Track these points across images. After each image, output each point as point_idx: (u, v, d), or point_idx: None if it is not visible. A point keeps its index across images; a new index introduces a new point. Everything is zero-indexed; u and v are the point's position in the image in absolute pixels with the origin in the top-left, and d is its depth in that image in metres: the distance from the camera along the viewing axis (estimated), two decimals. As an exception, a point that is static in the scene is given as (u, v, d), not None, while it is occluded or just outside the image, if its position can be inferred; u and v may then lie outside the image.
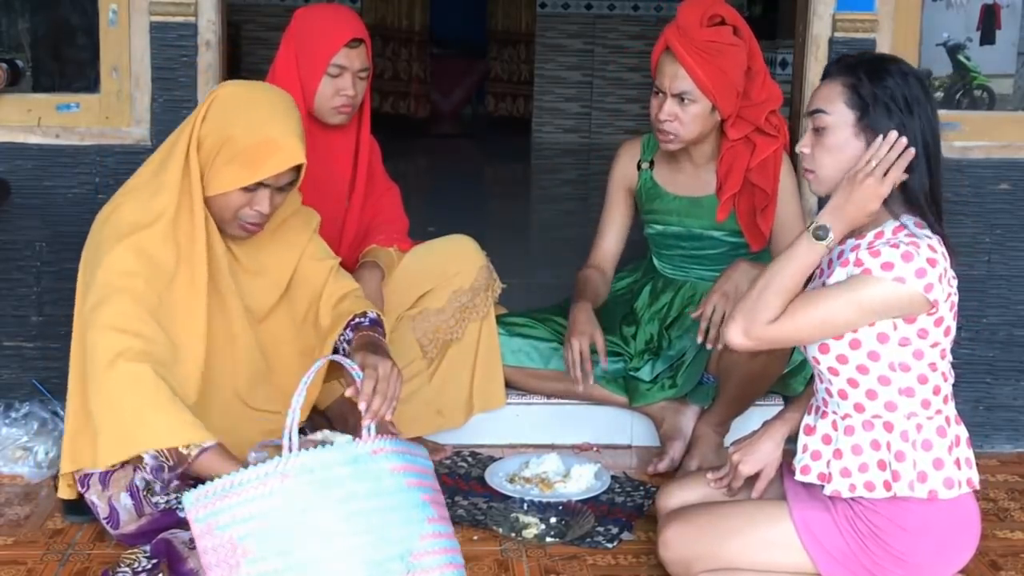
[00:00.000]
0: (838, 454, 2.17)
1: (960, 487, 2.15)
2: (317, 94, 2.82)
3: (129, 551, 2.38)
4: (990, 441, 3.26)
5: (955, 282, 2.13)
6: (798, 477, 2.22)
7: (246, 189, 2.33)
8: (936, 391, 2.15)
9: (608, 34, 8.73)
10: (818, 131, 2.15)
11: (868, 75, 2.11)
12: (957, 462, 2.15)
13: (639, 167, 3.11)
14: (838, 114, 2.12)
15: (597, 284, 3.10)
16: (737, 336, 2.14)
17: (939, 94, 3.43)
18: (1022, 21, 3.53)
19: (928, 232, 2.10)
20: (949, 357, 2.18)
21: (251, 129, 2.32)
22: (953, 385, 2.19)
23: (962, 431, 2.20)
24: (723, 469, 2.40)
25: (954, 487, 2.13)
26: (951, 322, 2.14)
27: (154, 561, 2.31)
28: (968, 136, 3.19)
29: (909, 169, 2.09)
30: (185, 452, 2.17)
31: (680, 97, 2.85)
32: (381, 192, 3.09)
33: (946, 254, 2.11)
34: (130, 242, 2.31)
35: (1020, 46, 3.55)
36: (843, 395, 2.17)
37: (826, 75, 2.19)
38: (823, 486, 2.18)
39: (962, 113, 3.30)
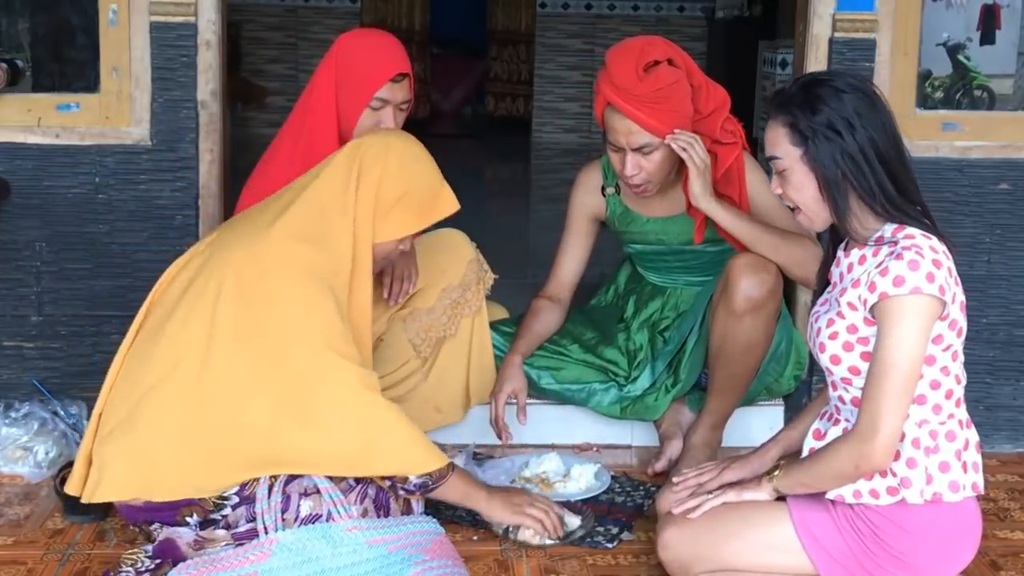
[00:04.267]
0: None
1: (965, 490, 2.13)
2: (357, 125, 2.79)
3: (130, 551, 2.38)
4: (990, 441, 3.25)
5: (959, 281, 2.13)
6: None
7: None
8: (948, 395, 2.13)
9: (608, 34, 8.73)
10: (780, 174, 2.19)
11: (802, 109, 2.12)
12: (964, 466, 2.14)
13: (603, 192, 3.07)
14: (788, 156, 2.15)
15: (545, 322, 3.07)
16: (877, 462, 2.09)
17: (939, 94, 3.43)
18: (1022, 21, 3.53)
19: (922, 232, 2.10)
20: (961, 358, 2.17)
21: (425, 182, 2.50)
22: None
23: (972, 435, 2.18)
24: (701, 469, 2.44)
25: (959, 491, 2.12)
26: (963, 323, 2.13)
27: (157, 561, 2.31)
28: (968, 136, 3.19)
29: (838, 189, 2.11)
30: (444, 471, 2.38)
31: (640, 150, 2.79)
32: None
33: (947, 252, 2.11)
34: (324, 286, 2.35)
35: (1020, 46, 3.54)
36: (856, 403, 2.16)
37: (769, 114, 2.21)
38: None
39: (962, 113, 3.30)
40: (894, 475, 2.12)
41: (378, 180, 2.44)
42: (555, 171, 7.87)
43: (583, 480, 2.83)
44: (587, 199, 3.09)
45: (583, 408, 3.11)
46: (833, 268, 2.25)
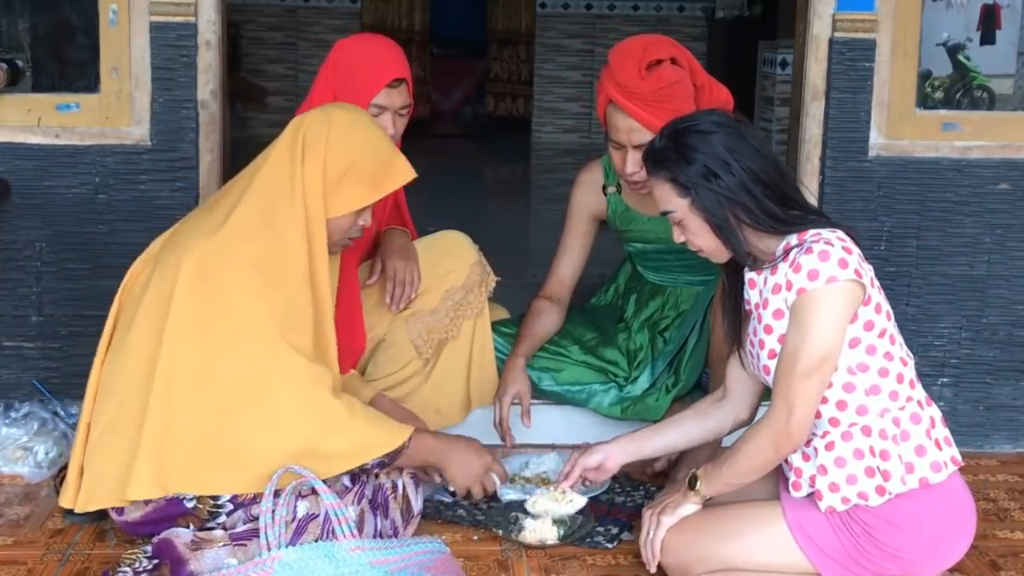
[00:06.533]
0: (823, 470, 2.18)
1: (947, 467, 2.17)
2: None
3: (129, 551, 2.38)
4: (990, 441, 3.26)
5: (872, 268, 2.18)
6: (793, 494, 2.23)
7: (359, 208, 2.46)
8: (900, 379, 2.17)
9: (608, 34, 8.74)
10: (678, 225, 2.24)
11: (677, 163, 2.18)
12: (937, 443, 2.18)
13: (604, 192, 3.07)
14: (679, 208, 2.21)
15: (545, 323, 3.06)
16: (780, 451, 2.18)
17: (939, 94, 3.43)
18: (1022, 21, 3.52)
19: (827, 228, 2.15)
20: (900, 340, 2.20)
21: (372, 151, 2.45)
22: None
23: (935, 412, 2.22)
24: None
25: (942, 469, 2.16)
26: (886, 305, 2.17)
27: (155, 561, 2.31)
28: (968, 136, 3.19)
29: (737, 214, 2.16)
30: (399, 447, 2.42)
31: (641, 147, 2.74)
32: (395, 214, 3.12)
33: (854, 239, 2.16)
34: (274, 276, 2.34)
35: (1020, 46, 3.54)
36: (817, 415, 2.18)
37: (648, 172, 2.27)
38: (818, 501, 2.19)
39: (962, 113, 3.29)
40: (878, 471, 2.14)
41: (323, 154, 2.40)
42: (555, 171, 7.87)
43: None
44: (588, 198, 3.09)
45: (583, 408, 3.11)
46: (749, 292, 2.27)
